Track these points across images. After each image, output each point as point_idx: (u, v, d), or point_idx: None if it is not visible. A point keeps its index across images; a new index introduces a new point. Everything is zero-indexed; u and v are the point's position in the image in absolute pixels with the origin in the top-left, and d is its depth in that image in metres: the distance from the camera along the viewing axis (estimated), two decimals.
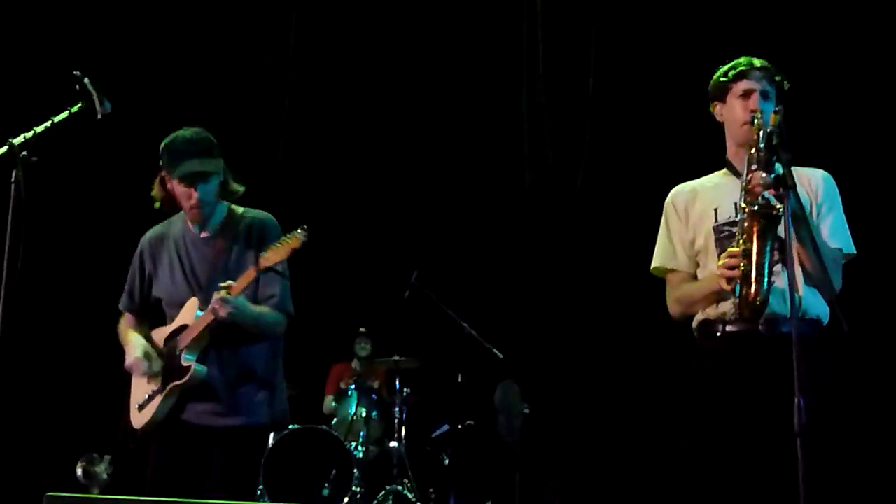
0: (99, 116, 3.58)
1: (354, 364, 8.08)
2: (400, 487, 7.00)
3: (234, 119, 7.63)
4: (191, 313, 3.89)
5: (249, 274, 3.76)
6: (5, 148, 3.13)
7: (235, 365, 3.91)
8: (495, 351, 7.01)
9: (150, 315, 4.08)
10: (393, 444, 7.29)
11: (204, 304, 3.82)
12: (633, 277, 7.31)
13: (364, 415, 7.29)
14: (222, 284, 3.75)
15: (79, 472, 6.60)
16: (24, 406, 6.90)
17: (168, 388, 3.87)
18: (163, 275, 4.00)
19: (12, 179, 3.10)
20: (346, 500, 6.74)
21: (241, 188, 3.98)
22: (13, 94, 6.64)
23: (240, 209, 4.02)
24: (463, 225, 8.15)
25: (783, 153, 3.15)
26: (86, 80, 3.47)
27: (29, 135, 3.20)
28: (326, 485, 6.84)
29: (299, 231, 3.65)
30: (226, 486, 3.75)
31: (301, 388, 7.67)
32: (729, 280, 3.25)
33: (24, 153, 3.12)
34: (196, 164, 3.83)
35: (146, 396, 3.94)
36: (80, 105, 3.49)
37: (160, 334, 4.01)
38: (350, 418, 7.30)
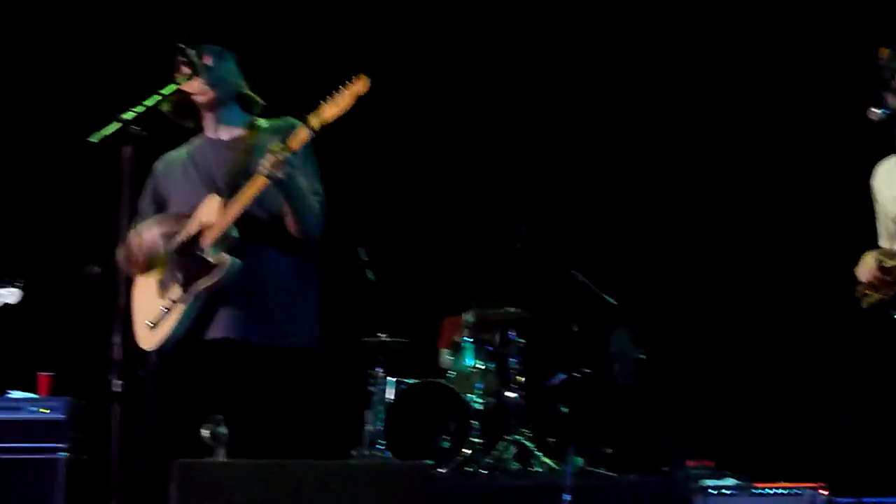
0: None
1: (466, 317, 8.09)
2: (520, 437, 7.03)
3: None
4: (211, 211, 3.45)
5: (300, 135, 3.32)
6: (117, 124, 3.15)
7: (268, 271, 3.45)
8: (608, 298, 6.98)
9: None
10: (510, 394, 7.31)
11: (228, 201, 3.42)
12: (744, 220, 7.23)
13: (481, 367, 7.32)
14: (272, 146, 3.31)
15: (206, 434, 6.66)
16: None
17: (193, 289, 3.37)
18: (175, 185, 3.63)
19: (126, 156, 3.11)
20: (466, 451, 6.80)
21: (262, 102, 3.71)
22: (119, 69, 6.73)
23: (262, 120, 3.70)
24: (570, 174, 8.08)
25: None
26: (189, 52, 3.49)
27: (139, 108, 3.22)
28: (446, 437, 6.91)
29: (361, 77, 3.22)
30: (269, 420, 3.35)
31: (416, 340, 7.74)
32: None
33: (133, 128, 3.15)
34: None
35: (161, 309, 3.42)
36: (185, 77, 3.53)
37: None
38: (466, 371, 7.34)
